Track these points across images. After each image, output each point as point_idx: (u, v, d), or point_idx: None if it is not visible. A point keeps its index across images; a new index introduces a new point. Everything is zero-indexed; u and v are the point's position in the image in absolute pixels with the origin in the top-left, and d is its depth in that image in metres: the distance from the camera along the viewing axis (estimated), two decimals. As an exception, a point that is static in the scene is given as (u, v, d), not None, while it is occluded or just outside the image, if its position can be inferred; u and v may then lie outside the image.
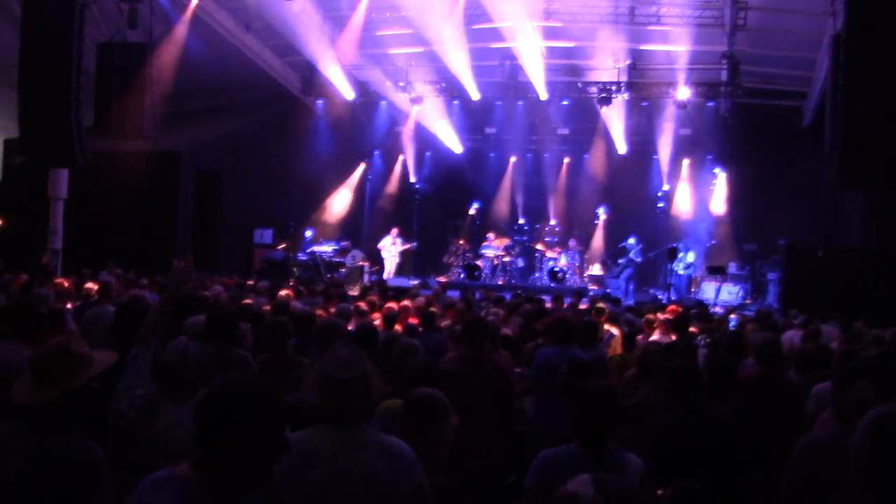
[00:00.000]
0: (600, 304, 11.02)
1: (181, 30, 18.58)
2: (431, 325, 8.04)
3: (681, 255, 19.69)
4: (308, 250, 20.91)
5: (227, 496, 2.21)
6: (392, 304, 9.57)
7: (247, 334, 7.18)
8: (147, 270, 14.38)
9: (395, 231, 21.88)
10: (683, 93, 20.42)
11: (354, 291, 14.73)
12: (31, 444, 2.95)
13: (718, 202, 22.52)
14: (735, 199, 22.07)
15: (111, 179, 17.37)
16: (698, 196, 23.03)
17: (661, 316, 9.51)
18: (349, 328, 7.76)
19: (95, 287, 9.30)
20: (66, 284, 10.28)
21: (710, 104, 21.70)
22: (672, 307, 11.20)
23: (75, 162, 15.38)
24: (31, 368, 3.05)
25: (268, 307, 9.18)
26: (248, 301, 9.15)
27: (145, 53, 17.67)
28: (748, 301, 19.28)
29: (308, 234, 21.96)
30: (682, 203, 23.23)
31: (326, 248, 20.90)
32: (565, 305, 12.34)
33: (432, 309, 9.74)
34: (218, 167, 20.36)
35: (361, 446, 3.03)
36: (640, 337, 8.76)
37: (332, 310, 9.31)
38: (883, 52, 12.65)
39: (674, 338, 8.61)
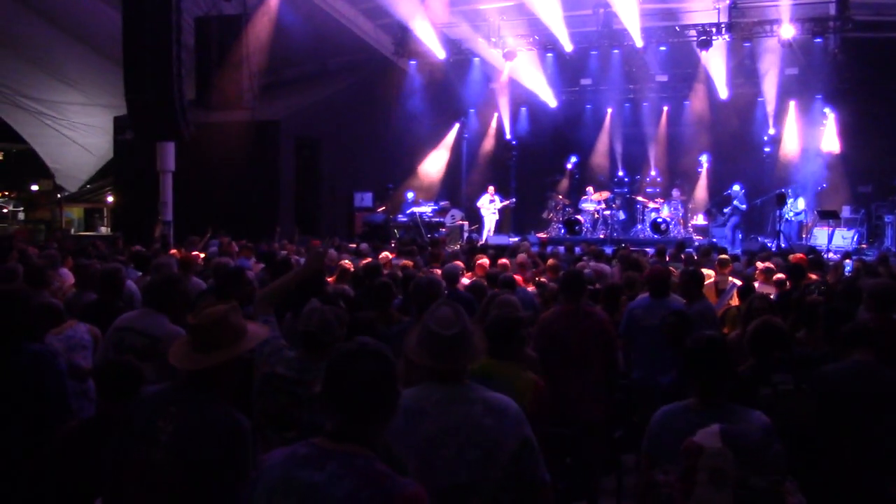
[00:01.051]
0: (724, 256, 10.63)
1: (274, 1, 18.79)
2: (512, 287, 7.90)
3: (790, 201, 18.99)
4: (408, 211, 21.07)
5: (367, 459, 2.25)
6: (484, 261, 9.55)
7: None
8: (253, 237, 14.76)
9: (492, 189, 21.80)
10: (788, 30, 19.48)
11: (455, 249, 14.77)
12: (182, 407, 3.04)
13: (830, 143, 21.52)
14: (847, 139, 21.05)
15: (215, 150, 17.80)
16: (807, 138, 22.06)
17: (760, 265, 9.18)
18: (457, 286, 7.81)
19: (202, 256, 9.56)
20: (181, 254, 10.61)
21: (818, 41, 20.59)
22: (799, 255, 10.72)
23: (181, 135, 15.79)
24: (190, 335, 3.15)
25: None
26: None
27: (241, 25, 17.98)
28: (864, 245, 18.48)
29: (409, 195, 22.05)
30: (790, 146, 22.31)
31: (426, 209, 21.01)
32: (668, 258, 12.06)
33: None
34: (316, 133, 20.63)
35: (468, 402, 3.06)
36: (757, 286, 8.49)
37: (438, 270, 9.36)
38: None
39: (774, 290, 8.29)
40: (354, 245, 14.76)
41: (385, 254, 11.42)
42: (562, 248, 14.11)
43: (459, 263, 9.35)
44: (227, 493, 2.94)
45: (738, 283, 8.75)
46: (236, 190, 18.00)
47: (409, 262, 10.11)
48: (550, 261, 10.22)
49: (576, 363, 5.67)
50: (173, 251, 11.17)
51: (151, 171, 17.09)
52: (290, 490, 2.25)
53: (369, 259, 10.02)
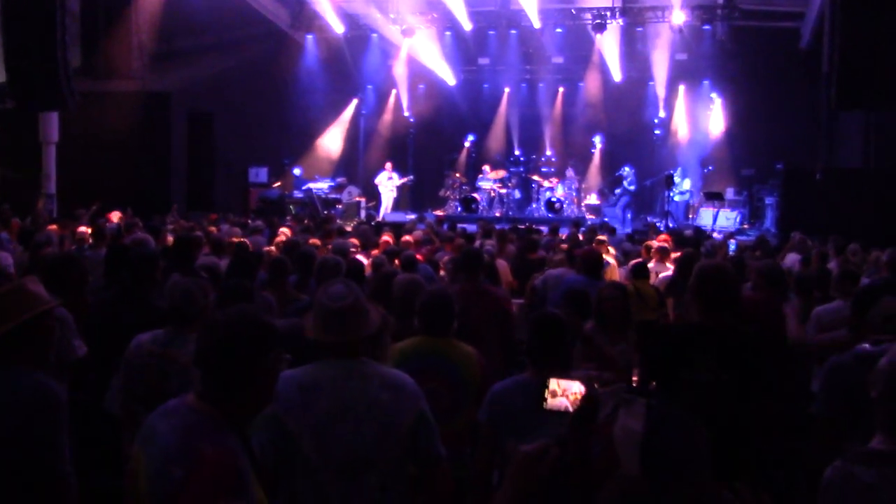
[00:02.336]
0: (601, 237, 10.96)
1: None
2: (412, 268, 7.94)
3: (677, 181, 19.60)
4: (304, 188, 20.79)
5: (231, 423, 2.27)
6: (388, 238, 9.56)
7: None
8: (142, 212, 14.31)
9: (389, 166, 21.71)
10: (679, 17, 20.08)
11: (350, 227, 14.69)
12: None
13: (716, 127, 22.33)
14: (732, 123, 21.89)
15: (102, 121, 17.15)
16: (695, 122, 22.84)
17: (653, 244, 9.48)
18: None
19: (89, 231, 9.24)
20: (61, 229, 10.24)
21: (707, 27, 21.32)
22: (664, 236, 11.15)
23: (65, 105, 15.14)
24: None
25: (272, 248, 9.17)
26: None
27: (131, -8, 17.29)
28: (746, 226, 19.28)
29: (296, 171, 21.73)
30: (679, 130, 23.05)
31: (322, 185, 20.79)
32: (562, 236, 12.34)
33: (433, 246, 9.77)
34: (210, 106, 20.10)
35: (364, 378, 3.06)
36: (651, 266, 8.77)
37: (329, 246, 9.30)
38: (882, -31, 12.40)
39: (670, 266, 8.60)
40: (249, 221, 14.52)
41: (284, 230, 11.30)
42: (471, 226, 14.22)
43: (353, 241, 9.35)
44: (38, 465, 2.86)
45: (612, 261, 9.07)
46: (125, 163, 17.40)
47: (316, 241, 10.02)
48: (458, 240, 10.29)
49: (474, 340, 5.72)
50: (52, 226, 10.73)
51: (34, 142, 16.36)
52: (144, 436, 2.31)
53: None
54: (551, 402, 2.33)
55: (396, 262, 8.51)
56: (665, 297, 7.30)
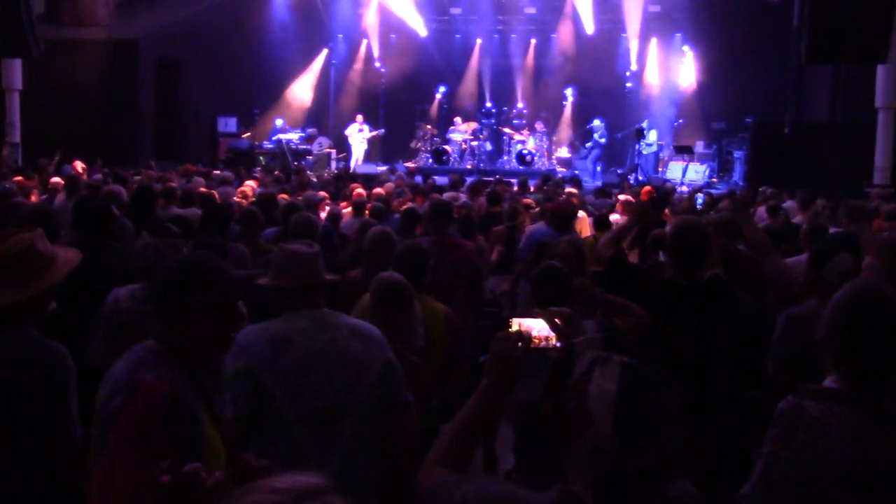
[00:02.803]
0: (571, 189, 11.02)
1: None
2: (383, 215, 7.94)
3: (646, 134, 19.67)
4: (274, 138, 20.59)
5: (182, 361, 2.32)
6: (361, 190, 9.54)
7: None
8: (109, 160, 14.15)
9: (360, 118, 21.52)
10: (652, -32, 19.97)
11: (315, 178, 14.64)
12: None
13: (687, 81, 22.36)
14: (703, 77, 21.91)
15: (68, 69, 16.89)
16: (667, 75, 22.82)
17: (621, 197, 9.55)
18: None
19: (62, 182, 9.14)
20: (26, 180, 10.09)
21: (680, -21, 21.22)
22: (647, 188, 11.24)
23: (28, 52, 14.87)
24: None
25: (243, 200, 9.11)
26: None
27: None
28: (714, 179, 19.43)
29: (278, 122, 21.44)
30: (651, 83, 23.03)
31: (293, 136, 20.60)
32: (532, 189, 12.37)
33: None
34: (178, 54, 19.79)
35: (334, 328, 3.14)
36: (612, 217, 8.84)
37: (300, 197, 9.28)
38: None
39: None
40: (218, 171, 14.38)
41: (249, 182, 11.22)
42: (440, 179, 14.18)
43: (322, 193, 9.33)
44: (50, 429, 2.85)
45: (582, 214, 9.15)
46: (91, 112, 17.15)
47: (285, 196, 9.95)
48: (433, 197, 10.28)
49: (442, 293, 5.76)
50: (17, 177, 10.54)
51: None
52: (104, 377, 2.36)
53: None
54: None
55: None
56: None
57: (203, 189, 9.55)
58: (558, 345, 2.26)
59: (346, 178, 12.79)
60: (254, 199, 8.94)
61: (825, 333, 2.45)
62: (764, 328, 4.24)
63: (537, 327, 2.33)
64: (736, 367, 4.02)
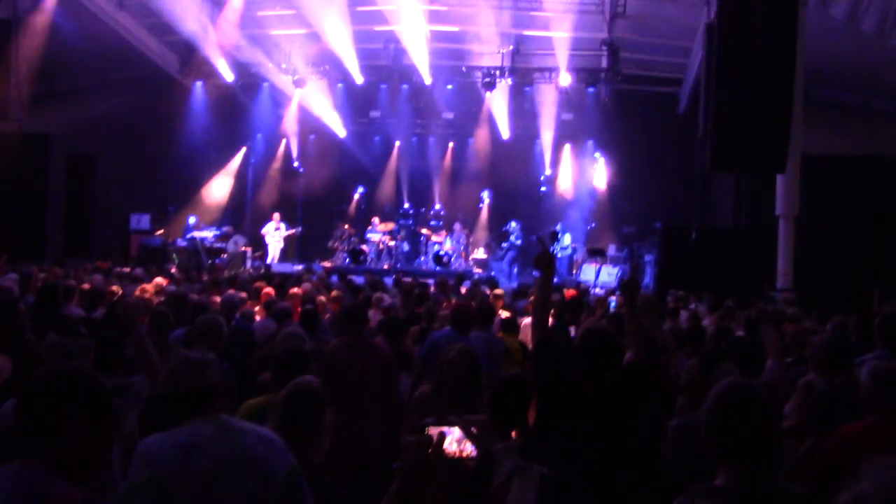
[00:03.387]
0: (497, 291, 11.05)
1: (49, 6, 17.61)
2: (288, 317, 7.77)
3: (560, 237, 20.08)
4: (188, 235, 20.30)
5: (73, 479, 2.25)
6: (269, 290, 9.41)
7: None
8: (16, 257, 13.69)
9: (277, 216, 21.43)
10: (565, 78, 20.79)
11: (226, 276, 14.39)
12: None
13: (599, 185, 23.08)
14: (614, 182, 22.67)
15: (-24, 163, 16.43)
16: (579, 180, 23.53)
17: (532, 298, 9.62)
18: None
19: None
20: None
21: (591, 90, 22.11)
22: (571, 291, 11.38)
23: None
24: None
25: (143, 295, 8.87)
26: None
27: (10, 30, 16.71)
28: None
29: (191, 219, 21.18)
30: (565, 187, 23.69)
31: (207, 234, 20.34)
32: (464, 291, 12.40)
33: (321, 298, 9.67)
34: (92, 150, 19.53)
35: (240, 433, 3.06)
36: (525, 320, 8.87)
37: (217, 298, 9.10)
38: (752, 41, 13.16)
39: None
40: (128, 269, 14.04)
41: (158, 280, 10.96)
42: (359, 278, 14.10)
43: (243, 294, 9.17)
44: None
45: (505, 314, 9.20)
46: (1, 206, 16.71)
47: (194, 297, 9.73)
48: (334, 292, 10.19)
49: (357, 395, 5.67)
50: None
51: None
52: None
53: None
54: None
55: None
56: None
57: (115, 288, 9.30)
58: (474, 454, 2.23)
59: (265, 277, 12.61)
60: (161, 297, 8.72)
61: (704, 434, 2.52)
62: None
63: (452, 435, 2.29)
64: (639, 472, 4.02)
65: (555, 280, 17.62)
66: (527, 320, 9.02)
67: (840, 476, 3.53)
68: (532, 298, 9.64)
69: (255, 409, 4.16)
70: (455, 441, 2.28)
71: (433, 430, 2.27)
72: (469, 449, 2.28)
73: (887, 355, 5.35)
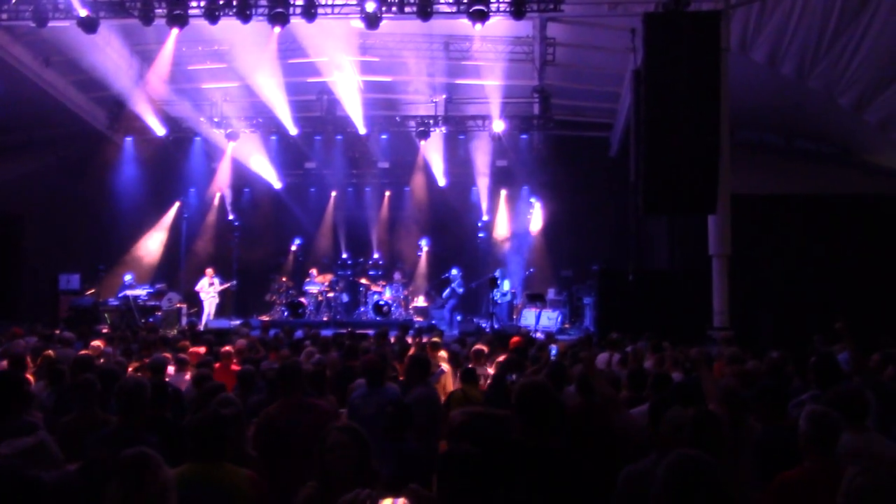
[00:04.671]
0: (435, 339, 10.99)
1: (-29, 65, 17.26)
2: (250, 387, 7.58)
3: (499, 283, 20.13)
4: (120, 295, 19.78)
5: None
6: (198, 349, 9.19)
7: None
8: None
9: (210, 271, 20.99)
10: (498, 126, 21.01)
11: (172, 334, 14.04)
12: None
13: (535, 230, 23.28)
14: (551, 227, 22.88)
15: None
16: (516, 226, 23.72)
17: (475, 347, 9.58)
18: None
19: None
20: None
21: (524, 136, 22.42)
22: (516, 339, 11.34)
23: None
24: None
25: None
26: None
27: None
28: (567, 325, 19.94)
29: (127, 277, 20.61)
30: (502, 233, 23.85)
31: (140, 292, 19.83)
32: (393, 340, 12.27)
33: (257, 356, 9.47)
34: (17, 209, 19.04)
35: None
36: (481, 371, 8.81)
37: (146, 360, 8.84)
38: (678, 87, 13.51)
39: (489, 370, 8.70)
40: (58, 331, 13.59)
41: (97, 343, 10.62)
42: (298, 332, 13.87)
43: (167, 355, 8.93)
44: None
45: (446, 367, 9.13)
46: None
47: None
48: (282, 351, 9.99)
49: (298, 456, 5.50)
50: None
51: None
52: None
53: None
54: None
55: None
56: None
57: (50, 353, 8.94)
58: None
59: (193, 335, 12.31)
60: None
61: None
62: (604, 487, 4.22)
63: None
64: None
65: (496, 325, 17.70)
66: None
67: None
68: (476, 347, 9.61)
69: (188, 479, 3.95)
70: None
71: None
72: None
73: (821, 396, 5.42)
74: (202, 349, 9.29)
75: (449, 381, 9.11)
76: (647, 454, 3.99)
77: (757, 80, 15.99)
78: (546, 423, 3.97)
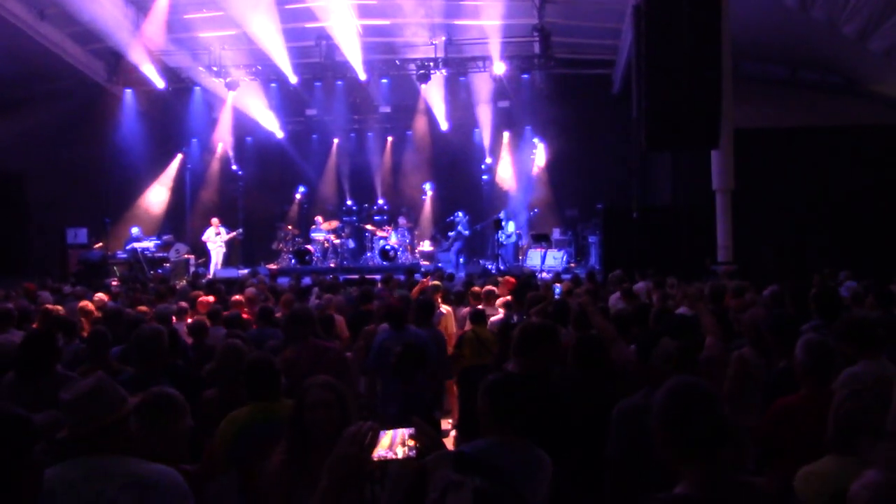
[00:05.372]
0: (436, 282, 11.09)
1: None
2: (269, 320, 7.75)
3: (504, 225, 20.18)
4: (128, 247, 19.91)
5: None
6: (207, 298, 9.28)
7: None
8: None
9: (215, 221, 21.05)
10: (499, 67, 20.83)
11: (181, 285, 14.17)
12: None
13: (539, 171, 23.24)
14: (554, 167, 22.82)
15: None
16: (520, 167, 23.68)
17: (481, 290, 9.67)
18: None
19: None
20: None
21: (525, 76, 22.22)
22: (509, 278, 11.41)
23: None
24: None
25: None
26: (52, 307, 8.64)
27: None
28: (573, 265, 20.04)
29: (134, 230, 20.71)
30: (505, 175, 23.81)
31: (148, 244, 19.96)
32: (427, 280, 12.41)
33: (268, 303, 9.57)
34: (20, 166, 19.06)
35: (105, 478, 2.80)
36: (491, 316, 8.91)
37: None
38: (679, 20, 13.38)
39: (500, 311, 8.81)
40: (69, 286, 13.74)
41: (99, 295, 10.74)
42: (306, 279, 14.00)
43: (183, 303, 9.04)
44: None
45: (447, 309, 9.25)
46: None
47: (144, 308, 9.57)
48: (286, 295, 10.10)
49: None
50: None
51: None
52: None
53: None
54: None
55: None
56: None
57: (50, 306, 9.06)
58: (412, 454, 2.21)
59: (201, 285, 12.41)
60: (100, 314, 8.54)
61: (658, 437, 2.50)
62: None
63: (392, 437, 2.27)
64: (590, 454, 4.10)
65: (501, 267, 17.80)
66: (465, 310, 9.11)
67: (781, 447, 3.63)
68: (486, 288, 9.71)
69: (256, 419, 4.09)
70: (396, 443, 2.26)
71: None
72: (408, 450, 2.26)
73: (823, 325, 5.49)
74: (211, 298, 9.38)
75: (450, 323, 9.24)
76: (640, 388, 4.09)
77: (759, 11, 15.76)
78: (542, 357, 4.10)
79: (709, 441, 2.39)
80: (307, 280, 13.75)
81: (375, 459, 2.18)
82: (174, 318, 8.19)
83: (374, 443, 2.10)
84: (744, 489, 2.42)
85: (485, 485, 1.74)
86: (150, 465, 2.91)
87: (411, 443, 2.29)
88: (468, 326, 8.17)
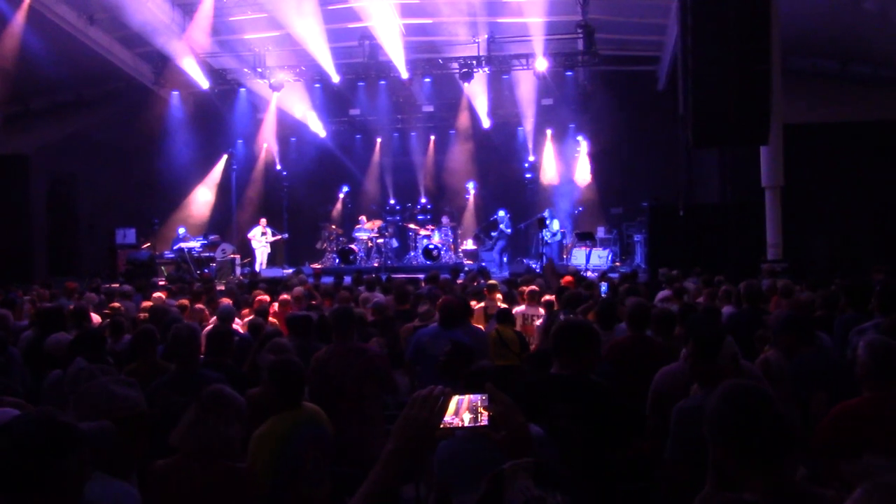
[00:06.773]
0: (492, 281, 10.96)
1: (17, 26, 17.41)
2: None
3: (548, 223, 20.03)
4: (175, 247, 20.15)
5: None
6: (264, 297, 9.33)
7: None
8: (1, 280, 13.61)
9: (263, 221, 21.30)
10: (542, 64, 20.66)
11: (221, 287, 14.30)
12: None
13: (583, 169, 23.03)
14: (598, 164, 22.62)
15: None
16: (563, 165, 23.50)
17: (525, 288, 9.59)
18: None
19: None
20: None
21: (569, 74, 22.03)
22: (568, 277, 11.27)
23: None
24: None
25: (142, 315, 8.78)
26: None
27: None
28: (618, 263, 19.83)
29: (181, 230, 20.96)
30: (549, 172, 23.66)
31: (194, 244, 20.19)
32: (460, 282, 12.38)
33: (314, 302, 9.60)
34: (71, 167, 19.39)
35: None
36: (516, 309, 8.84)
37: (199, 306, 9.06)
38: (726, 14, 13.14)
39: (541, 310, 8.72)
40: (118, 285, 13.92)
41: (158, 294, 10.87)
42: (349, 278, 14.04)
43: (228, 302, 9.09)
44: None
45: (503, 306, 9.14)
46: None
47: (184, 301, 9.68)
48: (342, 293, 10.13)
49: (351, 400, 5.60)
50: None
51: None
52: None
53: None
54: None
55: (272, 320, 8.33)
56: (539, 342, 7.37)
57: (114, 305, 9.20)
58: (485, 423, 2.10)
59: (252, 284, 12.51)
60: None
61: (718, 441, 2.41)
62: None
63: (465, 403, 2.15)
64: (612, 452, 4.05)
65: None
66: (518, 308, 9.01)
67: (841, 451, 3.51)
68: (530, 288, 9.63)
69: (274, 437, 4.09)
70: (467, 409, 2.15)
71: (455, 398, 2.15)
72: (483, 418, 2.15)
73: (886, 324, 5.32)
74: (266, 297, 9.45)
75: (480, 321, 9.16)
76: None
77: (809, 3, 15.45)
78: (582, 357, 4.05)
79: (774, 449, 2.30)
80: (348, 280, 13.78)
81: (443, 427, 2.09)
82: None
83: (444, 407, 2.02)
84: (811, 499, 2.31)
85: (566, 502, 1.66)
86: (110, 485, 2.75)
87: (483, 411, 2.17)
88: (485, 323, 8.12)
